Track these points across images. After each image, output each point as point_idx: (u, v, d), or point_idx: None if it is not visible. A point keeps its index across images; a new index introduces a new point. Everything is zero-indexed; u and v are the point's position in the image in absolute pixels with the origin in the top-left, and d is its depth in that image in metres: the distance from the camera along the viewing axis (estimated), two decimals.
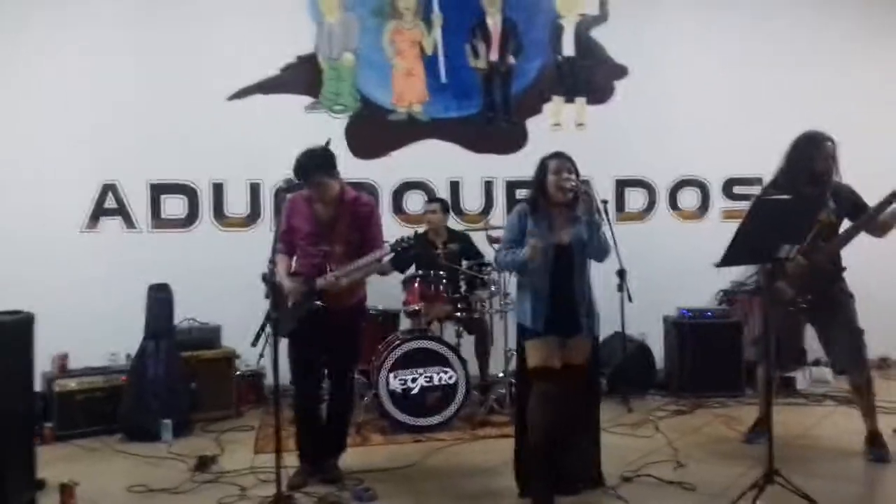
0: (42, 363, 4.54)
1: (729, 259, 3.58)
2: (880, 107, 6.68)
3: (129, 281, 5.40)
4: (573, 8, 6.62)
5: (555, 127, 6.58)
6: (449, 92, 6.46)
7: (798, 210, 3.69)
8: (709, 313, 6.01)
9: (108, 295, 5.60)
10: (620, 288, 5.08)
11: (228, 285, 5.59)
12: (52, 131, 5.78)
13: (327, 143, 4.00)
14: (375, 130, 6.32)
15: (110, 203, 5.93)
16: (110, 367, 5.30)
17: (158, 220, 6.02)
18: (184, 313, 5.49)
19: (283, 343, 3.90)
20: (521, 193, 6.16)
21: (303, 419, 4.11)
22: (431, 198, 6.08)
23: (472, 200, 6.46)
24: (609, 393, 5.56)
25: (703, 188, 6.71)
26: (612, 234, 3.94)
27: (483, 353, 5.63)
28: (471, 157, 6.45)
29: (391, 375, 4.90)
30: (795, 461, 3.97)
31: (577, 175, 3.68)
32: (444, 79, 6.45)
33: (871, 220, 4.11)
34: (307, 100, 6.26)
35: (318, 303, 3.88)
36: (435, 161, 6.37)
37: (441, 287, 5.26)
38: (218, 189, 6.12)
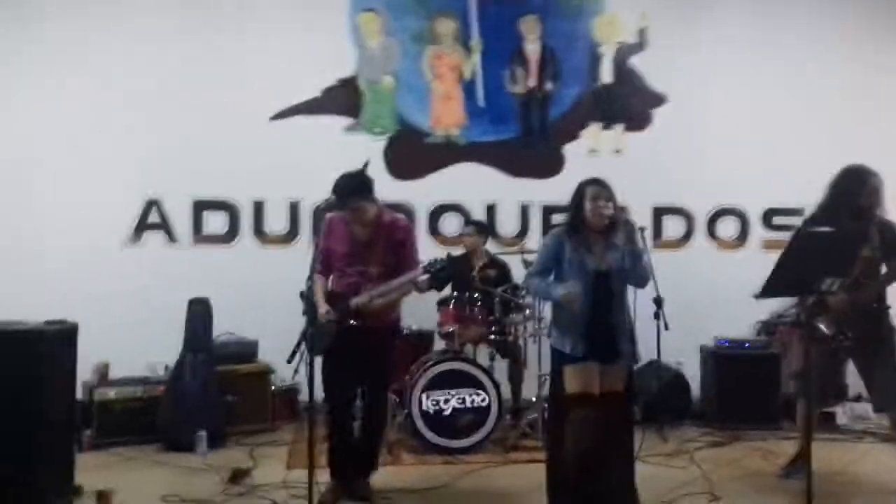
0: (83, 372, 4.62)
1: (769, 290, 3.55)
2: None
3: (170, 294, 5.49)
4: (612, 36, 6.65)
5: (592, 153, 6.59)
6: (486, 116, 6.51)
7: (841, 244, 3.66)
8: (747, 344, 5.94)
9: (150, 307, 5.69)
10: (657, 315, 5.04)
11: (266, 301, 5.66)
12: (98, 147, 5.93)
13: (366, 165, 4.05)
14: (413, 152, 6.38)
15: (153, 218, 6.06)
16: (149, 378, 5.39)
17: (199, 236, 6.13)
18: (222, 327, 5.55)
19: (319, 360, 3.94)
20: (557, 218, 6.15)
21: (335, 437, 4.14)
22: (468, 220, 6.11)
23: (508, 224, 6.48)
24: (644, 421, 5.49)
25: (741, 217, 6.65)
26: (650, 262, 3.93)
27: (516, 377, 5.61)
28: (507, 180, 6.48)
29: (424, 396, 4.91)
30: (833, 498, 3.91)
31: (615, 202, 3.69)
32: (481, 103, 6.51)
33: None
34: (347, 121, 6.34)
35: (353, 322, 3.92)
36: (471, 184, 6.41)
37: (476, 310, 5.27)
38: (258, 207, 6.22)
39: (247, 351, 5.66)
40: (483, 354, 5.52)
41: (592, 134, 6.62)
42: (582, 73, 6.63)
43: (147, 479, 4.50)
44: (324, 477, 4.05)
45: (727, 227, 6.66)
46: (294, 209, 6.25)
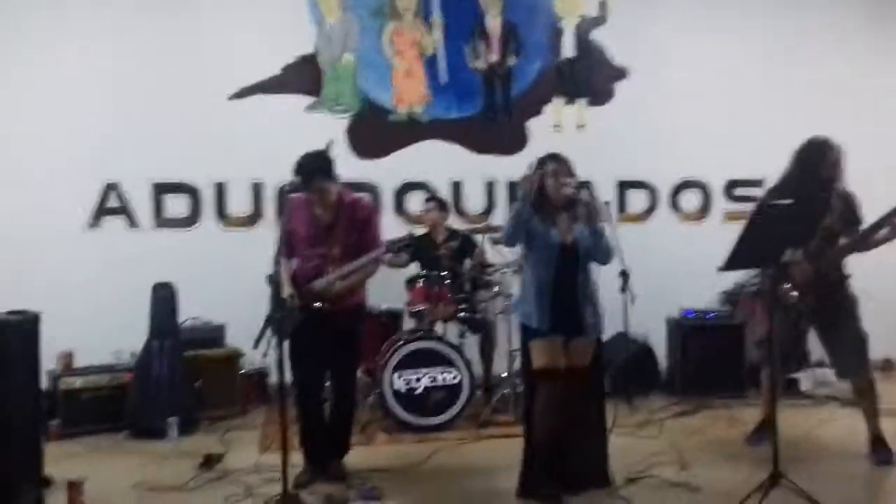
0: (47, 362, 4.53)
1: (733, 263, 3.60)
2: (887, 110, 6.73)
3: (133, 280, 5.40)
4: (573, 10, 6.63)
5: (555, 128, 6.59)
6: (449, 93, 6.47)
7: (802, 215, 3.71)
8: (711, 314, 6.05)
9: (112, 294, 5.60)
10: (623, 289, 5.10)
11: (232, 284, 5.59)
12: (54, 131, 5.78)
13: (328, 146, 4.01)
14: (376, 131, 6.32)
15: (113, 202, 5.93)
16: (115, 366, 5.31)
17: (161, 220, 6.02)
18: (187, 312, 5.48)
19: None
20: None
21: (306, 420, 4.12)
22: (428, 197, 6.05)
23: (473, 201, 6.47)
24: (612, 393, 5.56)
25: (704, 190, 6.73)
26: (615, 236, 3.97)
27: (487, 354, 5.65)
28: (472, 157, 6.46)
29: (395, 375, 4.91)
30: (799, 463, 3.98)
31: (574, 176, 3.71)
32: (444, 79, 6.46)
33: (863, 239, 4.15)
34: (308, 100, 6.26)
35: (317, 304, 3.89)
36: (436, 161, 6.38)
37: (445, 288, 5.26)
38: (220, 188, 6.12)
39: (214, 335, 5.61)
40: (453, 332, 5.53)
41: (556, 109, 6.62)
42: (544, 48, 6.61)
43: (117, 467, 4.45)
44: (297, 459, 4.04)
45: (690, 200, 6.72)
46: (257, 190, 6.16)
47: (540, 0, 6.57)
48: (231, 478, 4.15)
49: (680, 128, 6.53)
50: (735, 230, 3.50)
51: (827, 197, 4.23)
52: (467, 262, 5.63)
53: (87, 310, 5.49)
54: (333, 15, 6.30)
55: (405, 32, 6.41)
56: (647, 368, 5.98)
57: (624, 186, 6.63)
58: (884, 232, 4.07)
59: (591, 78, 6.64)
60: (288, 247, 4.04)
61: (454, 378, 4.97)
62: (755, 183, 6.32)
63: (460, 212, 6.40)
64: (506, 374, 5.44)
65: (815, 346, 4.68)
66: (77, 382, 5.12)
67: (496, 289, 5.39)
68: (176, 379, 5.12)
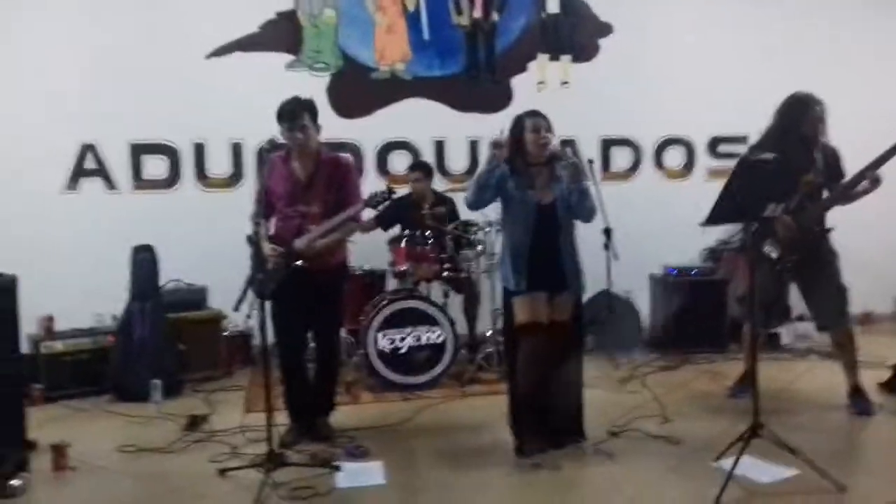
0: (27, 326, 4.50)
1: (714, 218, 3.61)
2: (869, 67, 6.71)
3: (113, 242, 5.35)
4: None
5: (539, 85, 6.53)
6: (432, 50, 6.37)
7: (784, 170, 3.71)
8: (694, 271, 6.08)
9: (92, 256, 5.54)
10: (607, 246, 5.10)
11: (213, 246, 5.52)
12: (29, 92, 5.65)
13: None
14: (358, 89, 6.23)
15: (90, 164, 5.83)
16: (96, 329, 5.28)
17: (140, 181, 5.93)
18: (169, 275, 5.45)
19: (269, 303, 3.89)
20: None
21: (289, 379, 4.12)
22: (414, 164, 5.95)
23: (456, 160, 6.41)
24: (596, 350, 5.63)
25: (688, 147, 6.71)
26: (599, 194, 3.95)
27: (471, 312, 5.66)
28: (455, 116, 6.38)
29: (380, 335, 4.92)
30: (779, 415, 4.05)
31: (553, 133, 3.69)
32: (427, 36, 6.36)
33: (844, 193, 4.16)
34: (288, 58, 6.15)
35: (298, 263, 3.86)
36: (419, 120, 6.30)
37: (428, 247, 5.24)
38: (199, 149, 6.03)
39: (196, 298, 5.58)
40: (437, 291, 5.54)
41: (540, 66, 6.55)
42: (528, 4, 6.52)
43: (102, 430, 4.45)
44: (282, 419, 4.05)
45: (674, 157, 6.71)
46: (237, 150, 6.08)
47: None
48: (216, 438, 4.15)
49: (664, 84, 6.49)
50: (718, 187, 3.49)
51: (809, 152, 4.25)
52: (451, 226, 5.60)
53: (67, 273, 5.44)
54: None
55: None
56: (630, 325, 6.01)
57: (608, 144, 6.60)
58: (864, 184, 4.08)
59: (575, 34, 6.57)
60: (267, 206, 3.99)
61: (438, 337, 4.99)
62: (739, 139, 6.29)
63: (443, 171, 6.34)
64: (490, 333, 5.46)
65: (795, 300, 4.73)
66: (58, 346, 5.10)
67: (479, 248, 5.38)
68: (158, 342, 5.10)
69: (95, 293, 5.33)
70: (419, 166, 5.84)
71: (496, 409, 3.96)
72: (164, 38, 5.85)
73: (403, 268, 5.22)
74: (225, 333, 5.60)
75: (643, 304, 6.17)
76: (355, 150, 6.11)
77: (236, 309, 3.64)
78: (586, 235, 3.99)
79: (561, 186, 3.69)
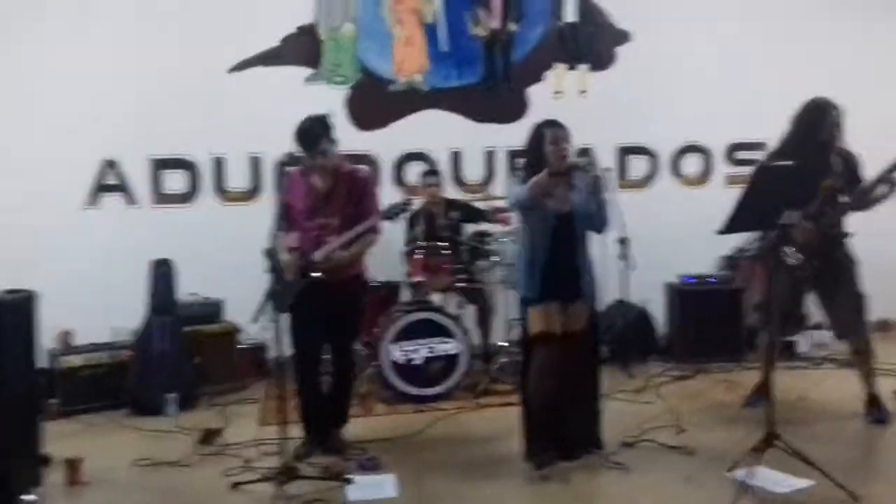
0: (46, 340, 4.57)
1: (732, 226, 3.58)
2: (887, 69, 6.60)
3: (132, 257, 5.40)
4: None
5: (557, 95, 6.51)
6: (450, 61, 6.38)
7: (802, 177, 3.68)
8: (711, 280, 6.01)
9: (111, 271, 5.60)
10: (623, 256, 5.08)
11: (230, 260, 5.55)
12: (51, 108, 5.73)
13: (326, 116, 3.98)
14: (376, 101, 6.26)
15: (111, 179, 5.91)
16: (114, 343, 5.32)
17: (159, 196, 6.00)
18: (186, 288, 5.49)
19: (285, 316, 3.91)
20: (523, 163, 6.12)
21: (305, 392, 4.13)
22: (429, 170, 5.96)
23: (473, 170, 6.41)
24: (611, 360, 5.58)
25: (705, 154, 6.64)
26: (615, 202, 3.93)
27: (485, 323, 5.63)
28: (472, 126, 6.38)
29: (394, 346, 4.92)
30: (795, 424, 4.00)
31: (571, 143, 3.69)
32: (444, 47, 6.36)
33: (863, 198, 4.10)
34: (307, 71, 6.19)
35: (317, 275, 3.87)
36: (436, 131, 6.30)
37: (442, 258, 5.24)
38: (218, 163, 6.08)
39: (212, 311, 5.62)
40: (451, 302, 5.52)
41: (557, 75, 6.53)
42: (545, 13, 6.50)
43: (117, 444, 4.49)
44: (296, 432, 4.06)
45: (691, 165, 6.64)
46: (255, 164, 6.12)
47: None
48: (230, 452, 4.18)
49: (681, 92, 6.43)
50: (736, 194, 3.47)
51: (827, 157, 4.20)
52: (466, 230, 5.59)
53: (86, 288, 5.50)
54: None
55: (405, 0, 6.32)
56: (645, 335, 5.96)
57: (625, 152, 6.55)
58: (882, 189, 4.03)
59: (592, 42, 6.54)
60: (286, 220, 4.03)
61: (452, 348, 4.98)
62: (757, 146, 6.22)
63: (460, 181, 6.34)
64: (504, 344, 5.44)
65: (812, 308, 4.66)
66: (76, 360, 5.14)
67: (494, 258, 5.36)
68: (175, 355, 5.15)
69: (114, 307, 5.38)
70: (434, 172, 5.87)
71: (510, 421, 3.94)
72: (186, 54, 5.89)
73: (419, 279, 5.21)
74: (240, 346, 5.63)
75: (658, 312, 6.11)
76: (372, 162, 6.13)
77: (255, 321, 3.66)
78: (602, 245, 3.96)
79: (578, 196, 3.68)
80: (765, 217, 3.59)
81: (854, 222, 4.27)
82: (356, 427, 4.36)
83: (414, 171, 6.28)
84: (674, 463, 3.76)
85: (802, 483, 3.36)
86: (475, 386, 5.15)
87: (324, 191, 3.99)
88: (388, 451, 4.10)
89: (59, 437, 4.40)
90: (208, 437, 4.36)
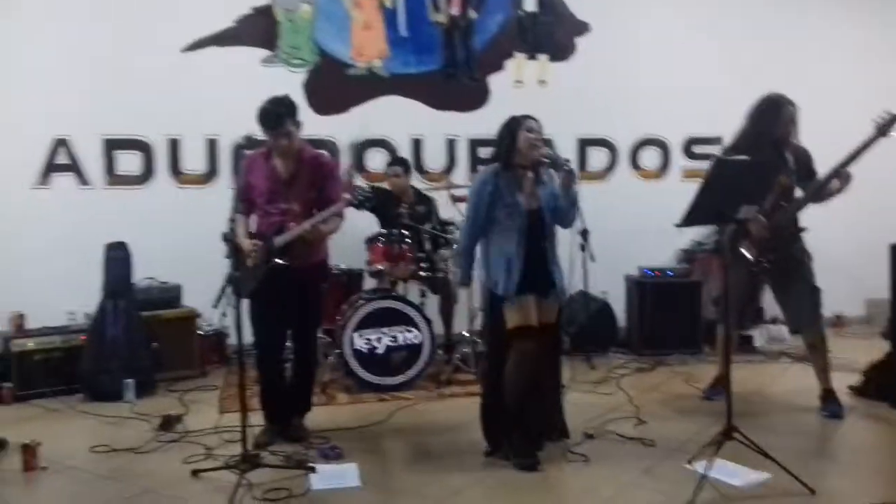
0: None
1: (690, 219, 3.62)
2: (839, 67, 6.79)
3: (85, 239, 5.27)
4: None
5: (517, 84, 6.53)
6: (409, 46, 6.35)
7: (758, 172, 3.75)
8: (669, 272, 6.10)
9: (64, 253, 5.46)
10: (583, 247, 5.12)
11: (188, 244, 5.46)
12: (1, 86, 5.55)
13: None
14: (335, 85, 6.19)
15: (62, 159, 5.74)
16: (69, 327, 5.20)
17: (113, 177, 5.85)
18: (142, 272, 5.38)
19: (245, 302, 3.86)
20: (484, 152, 6.14)
21: (266, 379, 4.09)
22: (393, 160, 5.92)
23: (434, 158, 6.40)
24: (572, 351, 5.64)
25: (663, 147, 6.75)
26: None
27: (447, 313, 5.64)
28: (432, 114, 6.37)
29: (356, 335, 4.90)
30: (752, 417, 4.10)
31: (543, 137, 3.72)
32: (404, 33, 6.33)
33: (817, 192, 4.21)
34: (264, 53, 6.09)
35: (279, 261, 3.83)
36: (396, 118, 6.27)
37: (405, 247, 5.22)
38: (174, 145, 5.96)
39: (170, 296, 5.52)
40: (414, 291, 5.52)
41: (517, 65, 6.55)
42: (505, 1, 6.51)
43: (74, 430, 4.40)
44: (257, 419, 4.03)
45: (650, 158, 6.75)
46: (212, 146, 6.01)
47: None
48: (190, 439, 4.12)
49: (640, 85, 6.52)
50: (693, 188, 3.52)
51: (781, 153, 4.29)
52: (427, 225, 5.59)
53: (39, 270, 5.36)
54: None
55: None
56: (606, 326, 6.05)
57: (585, 144, 6.62)
58: (835, 183, 4.13)
59: (553, 32, 6.57)
60: (246, 204, 3.97)
61: (415, 337, 4.98)
62: (713, 140, 6.36)
63: (421, 169, 6.33)
64: (466, 333, 5.46)
65: (768, 302, 4.78)
66: (30, 344, 5.01)
67: (456, 247, 5.36)
68: (132, 340, 5.04)
69: (68, 291, 5.26)
70: (399, 161, 5.82)
71: (472, 411, 3.95)
72: (139, 32, 5.76)
73: (380, 267, 5.19)
74: (199, 332, 5.55)
75: (618, 305, 6.21)
76: (331, 147, 6.07)
77: (215, 307, 3.60)
78: (562, 236, 3.99)
79: (547, 191, 3.70)
80: (721, 211, 3.66)
81: (808, 218, 4.39)
82: (318, 416, 4.33)
83: (374, 158, 6.24)
84: (634, 454, 3.82)
85: (760, 476, 3.43)
86: (438, 375, 5.17)
87: (286, 175, 3.94)
88: (350, 440, 4.08)
89: (15, 422, 4.32)
90: (168, 423, 4.29)
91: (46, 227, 5.57)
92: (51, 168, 5.72)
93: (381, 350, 4.95)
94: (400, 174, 5.68)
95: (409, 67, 6.35)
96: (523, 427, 3.74)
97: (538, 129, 3.68)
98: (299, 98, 5.80)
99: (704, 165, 4.68)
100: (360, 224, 5.48)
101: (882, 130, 3.95)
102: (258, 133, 3.90)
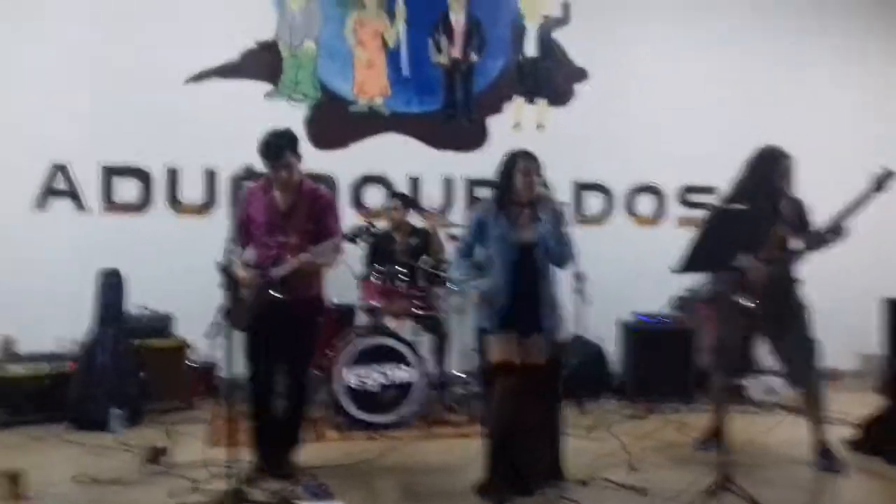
0: None
1: (688, 265, 3.64)
2: (837, 120, 6.89)
3: (80, 265, 5.26)
4: (536, 9, 6.67)
5: (515, 127, 6.60)
6: (410, 86, 6.44)
7: (754, 221, 3.78)
8: (663, 319, 6.10)
9: (57, 279, 5.44)
10: (578, 291, 5.12)
11: (182, 273, 5.45)
12: (1, 110, 5.57)
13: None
14: (335, 121, 6.25)
15: (60, 184, 5.74)
16: (58, 354, 5.15)
17: (110, 204, 5.85)
18: (137, 300, 5.35)
19: (238, 334, 3.83)
20: (481, 192, 6.17)
21: (257, 413, 4.04)
22: (394, 193, 5.96)
23: (431, 197, 6.42)
24: (564, 396, 5.57)
25: (659, 194, 6.80)
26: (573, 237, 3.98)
27: (441, 351, 5.60)
28: (431, 153, 6.43)
29: (348, 371, 4.86)
30: (746, 468, 4.05)
31: (542, 176, 3.75)
32: (406, 72, 6.42)
33: (814, 241, 4.23)
34: (266, 87, 6.15)
35: (275, 294, 3.81)
36: (395, 156, 6.33)
37: (399, 283, 5.21)
38: (172, 174, 5.97)
39: (161, 325, 5.48)
40: (407, 328, 5.49)
41: (516, 108, 6.63)
42: (506, 46, 6.63)
43: (58, 458, 4.33)
44: (245, 454, 3.97)
45: (645, 204, 6.80)
46: (210, 177, 6.02)
47: None
48: (176, 472, 4.05)
49: (637, 132, 6.61)
50: (688, 235, 3.55)
51: (777, 203, 4.32)
52: (423, 258, 5.58)
53: (31, 295, 5.33)
54: (297, 2, 6.22)
55: (368, 23, 6.35)
56: (599, 372, 6.02)
57: (581, 188, 6.67)
58: (831, 236, 4.16)
59: (552, 77, 6.67)
60: (244, 235, 3.97)
61: (408, 376, 4.94)
62: (709, 190, 6.42)
63: (418, 207, 6.33)
64: (460, 374, 5.42)
65: (762, 353, 4.76)
66: (18, 370, 4.97)
67: (452, 286, 5.35)
68: (121, 369, 4.99)
69: (59, 317, 5.23)
70: (400, 196, 5.84)
71: (463, 452, 3.93)
72: (143, 61, 5.82)
73: (374, 303, 5.17)
74: (189, 363, 5.49)
75: (612, 350, 6.18)
76: (330, 183, 6.09)
77: (209, 337, 3.58)
78: (558, 280, 4.00)
79: (542, 228, 3.71)
80: (718, 259, 3.67)
81: (804, 271, 4.40)
82: (308, 452, 4.27)
83: (372, 195, 6.26)
84: (626, 502, 3.78)
85: None
86: (430, 415, 5.11)
87: (284, 207, 3.94)
88: (339, 477, 4.02)
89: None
90: (154, 455, 4.21)
91: (41, 251, 5.55)
92: (48, 192, 5.71)
93: (373, 387, 4.90)
94: (399, 208, 5.69)
95: (410, 106, 6.43)
96: (504, 465, 3.69)
97: (535, 167, 3.70)
98: (300, 133, 5.86)
99: (700, 213, 4.71)
100: (350, 259, 5.47)
101: (878, 185, 4.00)
102: (263, 162, 3.90)
